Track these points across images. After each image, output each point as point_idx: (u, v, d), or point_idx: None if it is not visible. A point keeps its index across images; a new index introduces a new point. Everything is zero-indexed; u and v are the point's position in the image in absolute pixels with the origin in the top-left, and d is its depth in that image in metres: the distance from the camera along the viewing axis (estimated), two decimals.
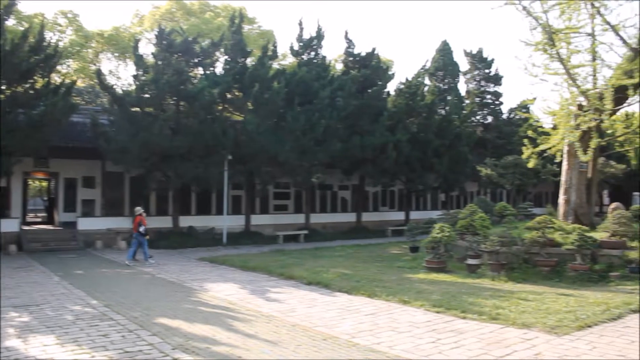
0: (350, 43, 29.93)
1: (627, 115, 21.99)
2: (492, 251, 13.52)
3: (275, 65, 30.66)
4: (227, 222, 23.75)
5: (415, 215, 32.41)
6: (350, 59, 30.10)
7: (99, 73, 23.78)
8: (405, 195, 33.26)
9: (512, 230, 15.23)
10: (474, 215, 16.00)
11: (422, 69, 33.68)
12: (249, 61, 25.83)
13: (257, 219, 26.68)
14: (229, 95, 24.17)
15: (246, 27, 37.08)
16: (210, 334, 8.04)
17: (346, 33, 30.11)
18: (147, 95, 22.04)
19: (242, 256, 18.53)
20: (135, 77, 22.89)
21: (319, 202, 31.22)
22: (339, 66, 32.77)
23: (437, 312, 9.40)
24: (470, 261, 13.96)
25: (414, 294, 10.97)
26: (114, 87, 24.78)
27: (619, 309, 9.40)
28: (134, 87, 22.89)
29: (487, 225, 15.62)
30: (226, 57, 25.09)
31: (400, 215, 32.67)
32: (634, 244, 13.59)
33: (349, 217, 30.65)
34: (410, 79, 30.83)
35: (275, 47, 26.87)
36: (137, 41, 24.00)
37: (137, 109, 22.06)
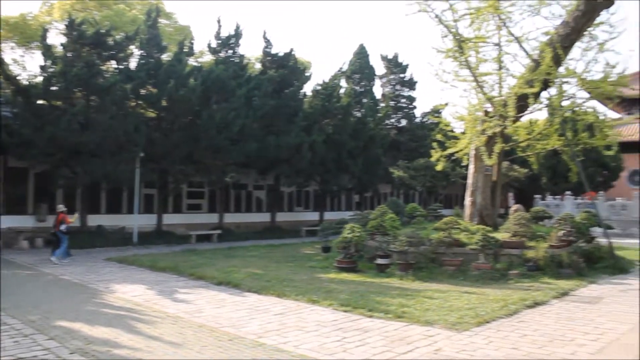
0: (268, 43, 29.86)
1: (530, 122, 23.17)
2: (400, 251, 13.90)
3: (192, 62, 30.15)
4: (138, 221, 23.09)
5: (329, 215, 32.74)
6: (268, 58, 30.03)
7: (0, 62, 22.48)
8: (320, 196, 33.54)
9: (421, 231, 15.71)
10: (384, 216, 16.36)
11: (338, 71, 34.09)
12: (165, 57, 25.23)
13: (170, 218, 26.09)
14: (142, 91, 23.50)
15: (163, 22, 36.16)
16: (112, 336, 7.80)
17: (264, 33, 30.09)
18: (55, 88, 21.00)
19: (152, 256, 18.06)
20: (42, 68, 21.74)
21: (234, 201, 30.90)
22: (258, 66, 32.64)
23: (345, 311, 9.53)
24: (380, 261, 14.27)
25: (324, 293, 11.08)
26: (18, 77, 23.43)
27: (516, 305, 9.93)
28: (40, 78, 21.77)
29: (396, 226, 16.02)
30: (141, 51, 24.39)
31: (314, 216, 32.91)
32: (532, 243, 14.42)
33: (264, 217, 30.59)
34: (327, 80, 31.15)
35: (192, 43, 26.44)
36: (46, 30, 22.81)
37: (44, 101, 21.01)
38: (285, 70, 28.67)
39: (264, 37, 29.82)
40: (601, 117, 18.33)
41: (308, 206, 35.46)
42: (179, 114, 22.72)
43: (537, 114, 21.47)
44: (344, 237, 15.02)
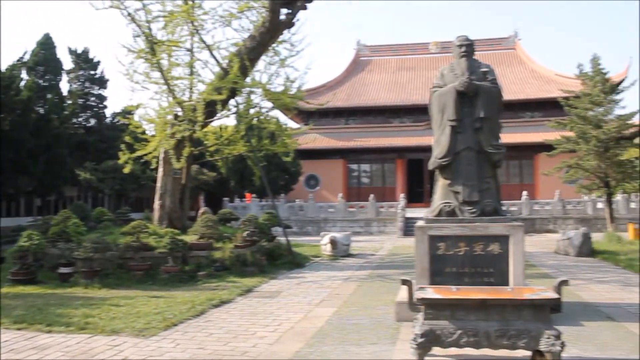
0: None
1: (220, 127, 24.07)
2: (85, 258, 13.08)
3: None
4: None
5: (7, 222, 29.21)
6: None
7: None
8: None
9: (108, 236, 15.10)
10: (68, 221, 15.27)
11: (18, 61, 30.80)
12: None
13: None
14: None
15: None
16: None
17: None
18: None
19: None
20: None
21: None
22: None
23: (19, 329, 8.58)
24: (63, 270, 13.27)
25: None
26: None
27: (203, 305, 10.17)
28: None
29: (81, 232, 15.09)
30: None
31: None
32: (219, 244, 15.01)
33: None
34: (3, 70, 27.82)
35: None
36: None
37: None
38: None
39: None
40: (283, 127, 20.00)
41: None
42: None
43: (228, 121, 22.42)
44: (20, 246, 13.56)
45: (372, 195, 34.06)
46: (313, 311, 9.87)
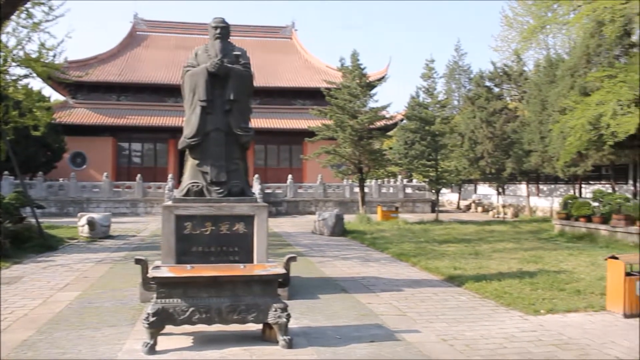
0: None
1: None
2: None
3: None
4: None
5: None
6: None
7: None
8: None
9: None
10: None
11: None
12: None
13: None
14: None
15: None
16: None
17: None
18: None
19: None
20: None
21: None
22: None
23: None
24: None
25: None
26: None
27: None
28: None
29: None
30: None
31: None
32: None
33: None
34: None
35: None
36: None
37: None
38: None
39: None
40: (34, 97, 18.37)
41: None
42: None
43: None
44: None
45: (139, 175, 33.04)
46: (54, 296, 9.37)
